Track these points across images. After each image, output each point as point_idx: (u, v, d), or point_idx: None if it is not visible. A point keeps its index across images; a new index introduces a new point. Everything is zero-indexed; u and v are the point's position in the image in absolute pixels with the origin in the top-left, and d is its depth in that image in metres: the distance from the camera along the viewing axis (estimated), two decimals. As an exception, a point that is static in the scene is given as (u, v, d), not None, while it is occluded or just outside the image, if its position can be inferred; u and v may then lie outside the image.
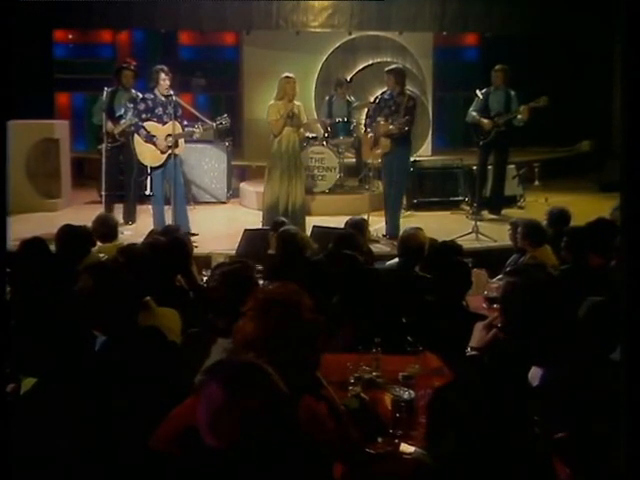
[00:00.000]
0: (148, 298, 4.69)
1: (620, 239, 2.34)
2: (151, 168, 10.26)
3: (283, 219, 8.39)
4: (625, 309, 2.13)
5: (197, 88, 16.50)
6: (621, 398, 2.15)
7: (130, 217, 11.00)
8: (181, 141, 9.81)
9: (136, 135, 9.92)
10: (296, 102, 10.07)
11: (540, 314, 3.94)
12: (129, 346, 3.86)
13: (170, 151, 9.71)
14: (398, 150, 10.15)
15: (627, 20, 2.03)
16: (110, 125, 10.41)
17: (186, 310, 5.00)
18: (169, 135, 9.68)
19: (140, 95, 10.52)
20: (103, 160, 10.17)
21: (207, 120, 9.96)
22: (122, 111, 10.56)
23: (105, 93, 10.68)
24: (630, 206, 2.08)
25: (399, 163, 10.27)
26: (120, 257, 5.90)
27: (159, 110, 9.76)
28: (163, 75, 9.68)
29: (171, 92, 9.73)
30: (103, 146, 10.53)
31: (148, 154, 9.89)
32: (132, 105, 10.26)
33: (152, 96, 9.77)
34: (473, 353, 3.94)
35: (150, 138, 9.77)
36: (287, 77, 9.99)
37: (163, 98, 9.71)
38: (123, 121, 10.44)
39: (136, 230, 10.18)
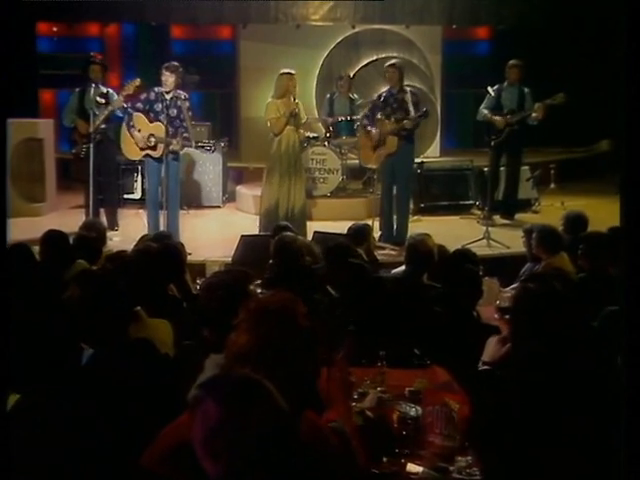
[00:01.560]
0: (139, 308, 4.70)
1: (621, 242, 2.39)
2: (142, 167, 10.29)
3: (286, 224, 8.39)
4: (625, 312, 2.15)
5: (190, 85, 16.47)
6: (621, 399, 2.17)
7: (113, 222, 11.00)
8: (160, 145, 9.79)
9: (124, 123, 10.05)
10: (296, 100, 10.09)
11: (553, 324, 3.95)
12: (118, 359, 3.86)
13: (147, 151, 9.84)
14: (404, 150, 10.18)
15: (627, 20, 2.06)
16: (83, 125, 10.38)
17: (179, 321, 5.01)
18: (152, 134, 9.77)
19: (110, 90, 10.56)
20: (91, 162, 10.15)
21: (191, 132, 9.90)
22: (94, 109, 10.46)
23: (74, 93, 10.76)
24: (630, 207, 2.11)
25: (405, 163, 10.31)
26: (109, 265, 5.92)
27: (158, 106, 9.80)
28: (163, 71, 9.75)
29: (178, 93, 9.82)
30: (78, 148, 10.53)
31: (128, 144, 10.01)
32: (103, 100, 10.27)
33: (159, 89, 9.83)
34: (485, 368, 3.95)
35: (130, 127, 9.88)
36: (289, 74, 10.03)
37: (168, 96, 9.75)
38: (96, 117, 10.39)
39: (126, 236, 10.19)
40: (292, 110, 9.95)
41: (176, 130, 9.77)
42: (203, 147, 9.90)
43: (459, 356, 4.84)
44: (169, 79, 9.72)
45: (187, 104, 9.87)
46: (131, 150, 10.00)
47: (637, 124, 2.11)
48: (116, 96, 10.29)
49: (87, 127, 10.28)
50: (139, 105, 9.90)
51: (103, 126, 10.37)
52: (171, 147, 9.75)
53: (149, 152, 9.83)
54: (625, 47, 2.08)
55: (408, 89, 10.40)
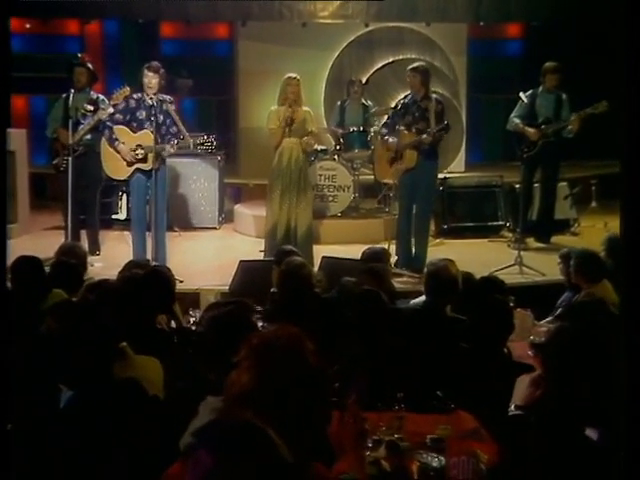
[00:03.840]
0: (124, 344, 4.72)
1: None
2: (126, 184, 10.28)
3: (291, 248, 8.39)
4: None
5: (182, 90, 16.54)
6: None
7: (95, 245, 11.03)
8: (151, 155, 9.76)
9: (103, 137, 10.01)
10: (305, 108, 10.12)
11: (595, 365, 3.95)
12: (101, 402, 3.88)
13: (138, 165, 9.81)
14: (425, 165, 10.15)
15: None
16: (66, 135, 10.37)
17: (170, 359, 5.02)
18: (139, 145, 9.76)
19: (101, 96, 10.58)
20: (69, 178, 10.15)
21: (185, 133, 9.93)
22: (79, 117, 10.45)
23: (59, 100, 10.81)
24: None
25: (427, 180, 10.25)
26: (90, 295, 5.94)
27: (141, 114, 9.81)
28: (146, 72, 9.71)
29: (162, 97, 9.79)
30: (59, 160, 10.55)
31: (114, 163, 9.97)
32: (92, 108, 10.29)
33: (139, 96, 9.84)
34: (517, 412, 3.94)
35: (113, 141, 9.85)
36: (288, 77, 10.07)
37: (150, 101, 9.77)
38: (81, 127, 10.42)
39: (108, 261, 10.20)
40: (287, 119, 9.96)
41: (163, 137, 9.77)
42: (203, 144, 9.84)
43: (487, 399, 4.84)
44: (152, 81, 9.72)
45: (173, 107, 9.90)
46: (117, 168, 9.96)
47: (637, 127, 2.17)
48: (107, 103, 10.32)
49: (70, 137, 10.27)
50: (118, 117, 9.88)
51: (88, 137, 10.40)
52: (164, 153, 9.77)
53: (139, 166, 9.81)
54: (625, 48, 2.15)
55: (434, 96, 10.33)
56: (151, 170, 9.75)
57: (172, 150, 9.83)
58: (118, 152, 9.82)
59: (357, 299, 5.78)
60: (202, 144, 9.85)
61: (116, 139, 9.83)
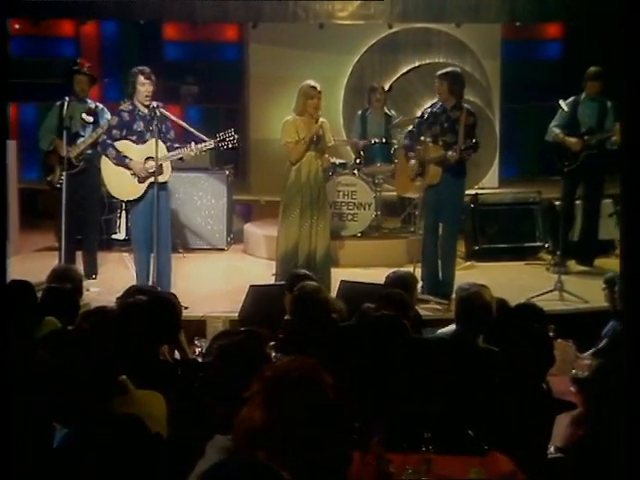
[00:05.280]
0: (124, 377, 4.73)
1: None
2: (127, 202, 10.27)
3: (305, 272, 8.38)
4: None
5: (187, 98, 16.58)
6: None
7: (92, 268, 11.04)
8: (166, 165, 9.75)
9: (104, 158, 9.92)
10: (321, 119, 10.08)
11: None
12: (99, 441, 3.89)
13: (151, 179, 9.68)
14: (450, 180, 10.14)
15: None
16: (63, 147, 10.38)
17: (174, 393, 5.03)
18: (149, 158, 9.67)
19: (100, 105, 10.61)
20: (63, 194, 10.15)
21: (203, 137, 9.86)
22: (78, 128, 10.55)
23: (53, 108, 10.83)
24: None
25: (453, 197, 10.22)
26: (86, 323, 5.95)
27: (139, 125, 9.79)
28: (142, 79, 9.68)
29: (154, 103, 9.71)
30: (54, 176, 10.54)
31: (121, 183, 9.88)
32: (91, 118, 10.31)
33: (130, 107, 9.81)
34: (557, 455, 3.94)
35: (122, 159, 9.74)
36: (311, 87, 9.98)
37: (145, 110, 9.74)
38: (81, 140, 10.45)
39: (106, 286, 10.22)
40: (314, 133, 9.95)
41: (171, 145, 9.78)
42: (224, 140, 9.76)
43: (525, 440, 4.83)
44: (149, 88, 9.71)
45: (166, 111, 9.88)
46: (126, 186, 9.86)
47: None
48: (108, 114, 10.32)
49: (69, 150, 10.29)
50: (115, 132, 9.82)
51: (89, 151, 10.41)
52: (185, 157, 9.72)
53: (153, 180, 9.63)
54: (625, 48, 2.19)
55: (466, 107, 10.29)
56: (166, 182, 9.76)
57: (195, 152, 9.76)
58: (130, 169, 9.72)
59: (373, 325, 5.79)
60: (223, 140, 9.74)
61: (125, 156, 9.73)
